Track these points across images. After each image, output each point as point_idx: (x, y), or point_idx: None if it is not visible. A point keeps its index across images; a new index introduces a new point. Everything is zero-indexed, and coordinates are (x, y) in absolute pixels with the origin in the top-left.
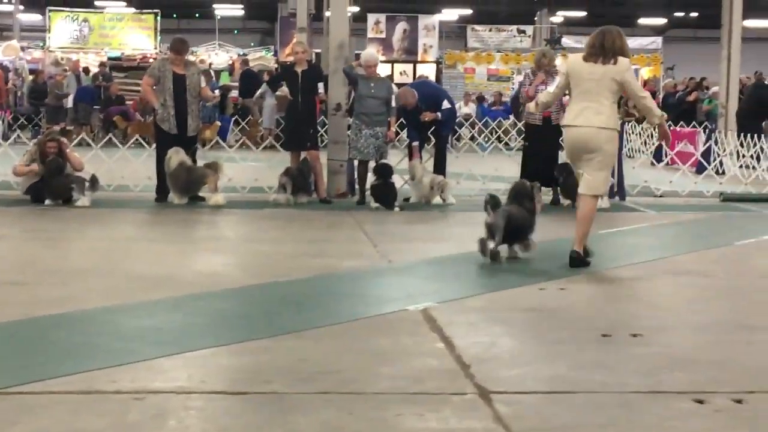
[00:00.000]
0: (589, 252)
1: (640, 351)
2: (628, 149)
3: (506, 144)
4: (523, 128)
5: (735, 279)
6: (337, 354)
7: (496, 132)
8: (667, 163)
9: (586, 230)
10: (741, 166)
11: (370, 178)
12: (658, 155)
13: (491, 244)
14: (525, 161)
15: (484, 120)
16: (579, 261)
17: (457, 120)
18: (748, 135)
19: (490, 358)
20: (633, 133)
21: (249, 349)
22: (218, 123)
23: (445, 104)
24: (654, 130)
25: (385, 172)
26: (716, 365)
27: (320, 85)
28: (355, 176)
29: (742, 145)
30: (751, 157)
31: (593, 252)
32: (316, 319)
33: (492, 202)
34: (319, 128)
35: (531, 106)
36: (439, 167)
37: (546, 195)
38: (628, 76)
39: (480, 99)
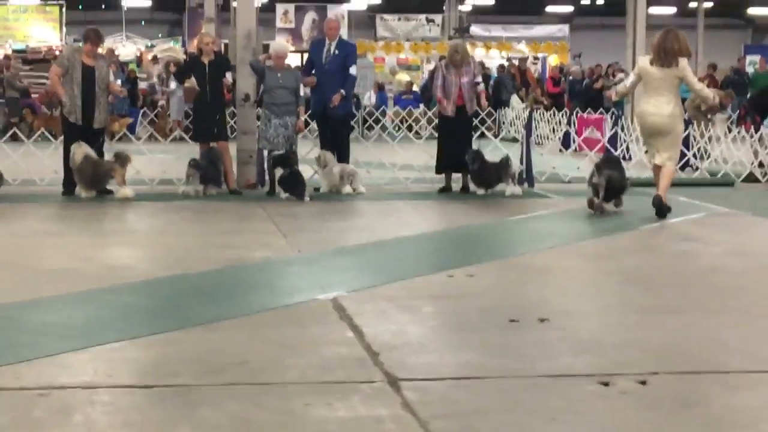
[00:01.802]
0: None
1: (547, 335)
2: (537, 136)
3: (416, 133)
4: (433, 117)
5: (641, 263)
6: (246, 345)
7: (407, 121)
8: (575, 150)
9: (668, 183)
10: (646, 152)
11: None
12: (566, 142)
13: (596, 200)
14: (440, 150)
15: (381, 108)
16: (663, 205)
17: (366, 109)
18: None
19: (399, 345)
20: (541, 120)
21: (157, 342)
22: (130, 118)
23: (352, 69)
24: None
25: (288, 161)
26: (621, 347)
27: (228, 76)
28: (265, 167)
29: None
30: None
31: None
32: (226, 310)
33: (600, 166)
34: (228, 119)
35: (612, 95)
36: (343, 156)
37: (456, 182)
38: (687, 73)
39: (380, 87)
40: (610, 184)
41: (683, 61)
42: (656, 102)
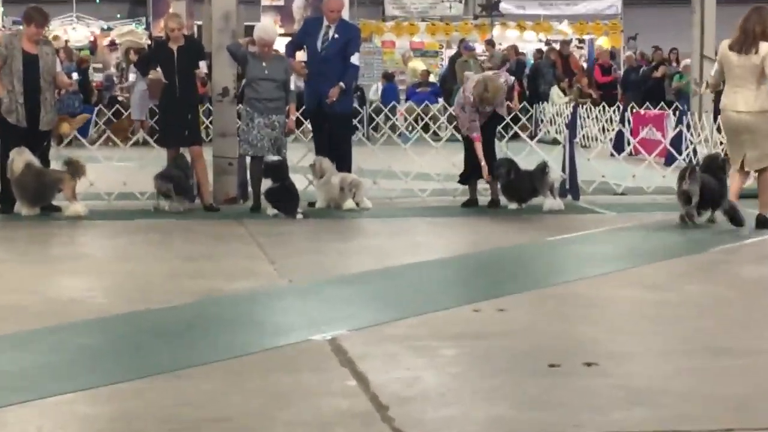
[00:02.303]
0: None
1: (594, 383)
2: (582, 137)
3: (434, 134)
4: (454, 114)
5: (710, 293)
6: (225, 397)
7: (422, 119)
8: (630, 153)
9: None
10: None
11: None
12: (618, 144)
13: (685, 210)
14: (467, 156)
15: (391, 104)
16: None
17: (373, 105)
18: None
19: (413, 397)
20: (588, 117)
21: (116, 394)
22: (86, 115)
23: (354, 59)
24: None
25: (279, 171)
26: (685, 398)
27: (202, 65)
28: (248, 177)
29: (719, 129)
30: None
31: None
32: (200, 354)
33: (689, 169)
34: (203, 118)
35: (700, 90)
36: (343, 163)
37: (484, 195)
38: (766, 61)
39: (388, 77)
40: (703, 191)
41: (765, 47)
42: (741, 95)
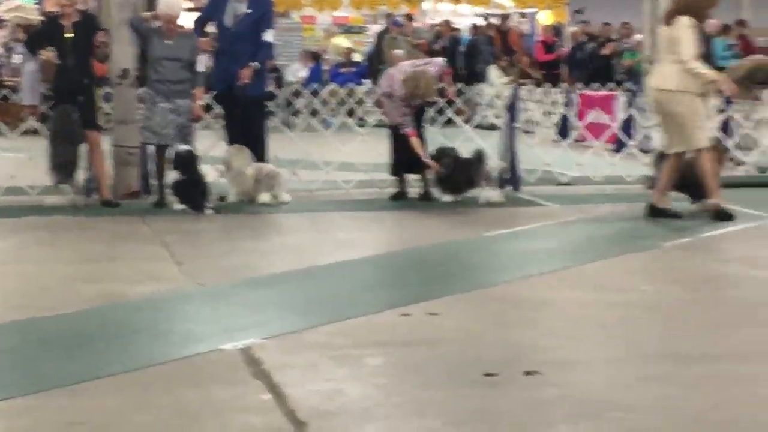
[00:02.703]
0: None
1: (536, 394)
2: (524, 121)
3: (360, 119)
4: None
5: (662, 294)
6: (124, 414)
7: (346, 103)
8: (576, 140)
9: (710, 182)
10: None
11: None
12: (563, 129)
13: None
14: (395, 144)
15: (312, 86)
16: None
17: (292, 88)
18: None
19: (334, 411)
20: (531, 99)
21: (3, 412)
22: None
23: (267, 36)
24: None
25: (186, 162)
26: (637, 410)
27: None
28: (150, 168)
29: None
30: None
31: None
32: (95, 367)
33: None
34: (101, 103)
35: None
36: (257, 152)
37: (414, 187)
38: (682, 34)
39: (316, 56)
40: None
41: (682, 20)
42: (659, 71)
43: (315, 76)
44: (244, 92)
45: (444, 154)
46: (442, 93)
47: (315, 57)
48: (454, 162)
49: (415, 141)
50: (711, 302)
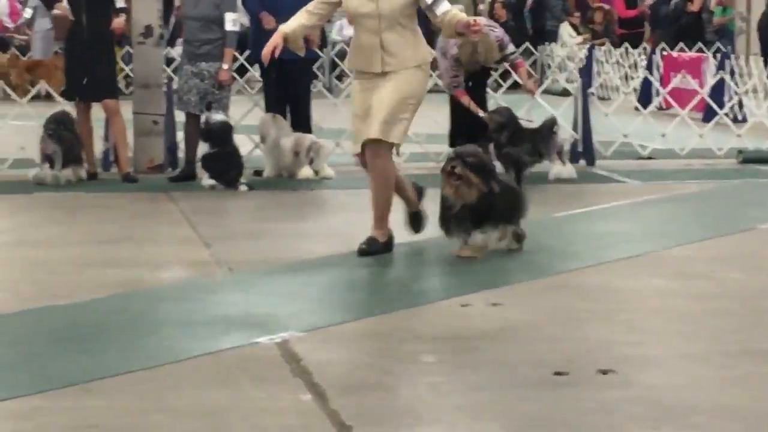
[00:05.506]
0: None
1: (611, 396)
2: (600, 86)
3: None
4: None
5: (755, 282)
6: (145, 416)
7: None
8: (659, 107)
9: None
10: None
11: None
12: (645, 95)
13: None
14: (454, 112)
15: None
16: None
17: (336, 48)
18: None
19: (384, 415)
20: (607, 62)
21: (8, 413)
22: None
23: None
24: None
25: (218, 135)
26: (724, 414)
27: None
28: (178, 139)
29: None
30: None
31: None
32: (114, 362)
33: None
34: (122, 65)
35: None
36: (299, 121)
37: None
38: None
39: None
40: None
41: None
42: None
43: None
44: (287, 53)
45: (497, 111)
46: (504, 59)
47: None
48: (505, 125)
49: (465, 99)
50: None
